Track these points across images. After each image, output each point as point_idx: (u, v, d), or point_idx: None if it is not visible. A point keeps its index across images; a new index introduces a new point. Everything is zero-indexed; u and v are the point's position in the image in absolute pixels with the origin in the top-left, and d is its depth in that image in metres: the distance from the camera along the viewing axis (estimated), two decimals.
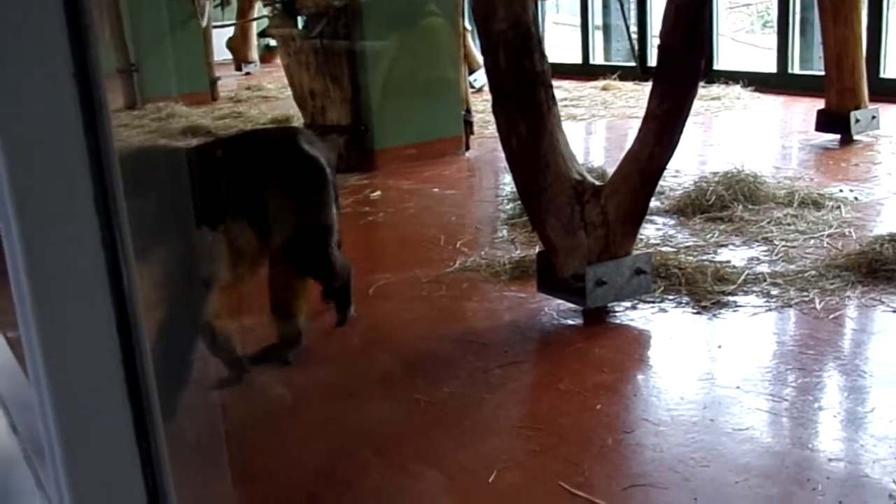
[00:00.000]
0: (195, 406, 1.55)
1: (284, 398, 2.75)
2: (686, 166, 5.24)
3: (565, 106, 7.90)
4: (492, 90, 3.15)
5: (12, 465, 1.77)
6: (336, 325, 3.23)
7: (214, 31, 11.56)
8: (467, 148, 6.44)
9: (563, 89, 8.66)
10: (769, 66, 8.40)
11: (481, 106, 6.81)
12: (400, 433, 2.53)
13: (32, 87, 0.65)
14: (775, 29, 8.34)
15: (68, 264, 0.74)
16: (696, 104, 7.19)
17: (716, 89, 8.12)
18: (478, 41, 4.62)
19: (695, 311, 3.20)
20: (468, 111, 6.50)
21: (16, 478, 1.73)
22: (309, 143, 2.98)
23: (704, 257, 3.70)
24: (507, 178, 4.14)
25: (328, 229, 2.99)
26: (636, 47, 9.34)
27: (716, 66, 8.76)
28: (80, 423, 0.78)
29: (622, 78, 9.10)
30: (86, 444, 0.79)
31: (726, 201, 4.36)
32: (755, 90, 8.10)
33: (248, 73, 12.75)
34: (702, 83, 7.97)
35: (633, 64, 9.28)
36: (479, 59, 7.24)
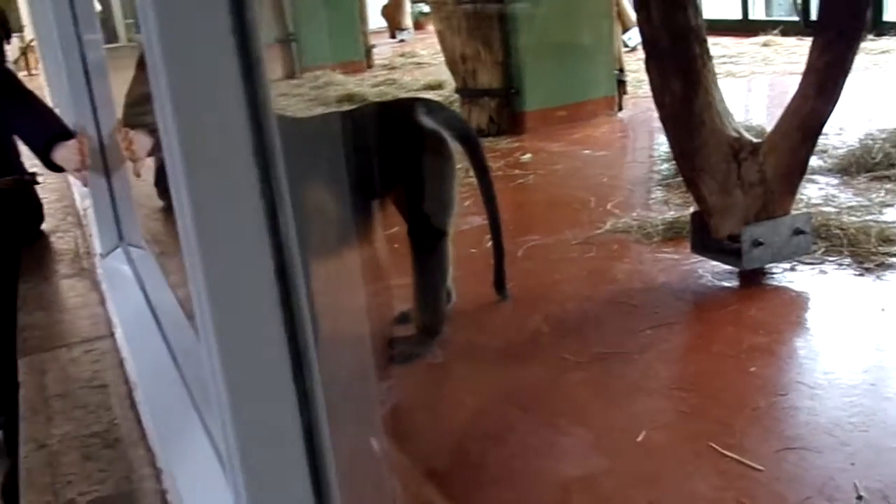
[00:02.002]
0: (345, 360, 1.61)
1: (436, 356, 2.81)
2: (851, 124, 4.99)
3: (724, 63, 7.65)
4: (644, 46, 3.09)
5: (183, 414, 1.89)
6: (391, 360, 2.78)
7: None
8: (620, 108, 6.35)
9: (721, 46, 8.38)
10: None
11: (635, 65, 6.68)
12: (548, 392, 2.55)
13: (195, 43, 0.70)
14: None
15: (231, 214, 0.79)
16: (865, 59, 6.93)
17: (885, 42, 7.69)
18: None
19: (857, 272, 3.08)
20: (621, 70, 6.39)
21: (185, 425, 1.85)
22: (428, 114, 2.74)
23: (869, 217, 3.54)
24: (662, 138, 4.06)
25: (445, 208, 2.78)
26: (798, 0, 8.93)
27: (885, 18, 8.28)
28: (241, 363, 0.83)
29: (784, 33, 8.73)
30: (247, 383, 0.84)
31: (894, 159, 4.15)
32: None
33: (401, 41, 12.91)
34: (870, 36, 7.63)
35: (795, 18, 8.88)
36: (633, 17, 7.09)
